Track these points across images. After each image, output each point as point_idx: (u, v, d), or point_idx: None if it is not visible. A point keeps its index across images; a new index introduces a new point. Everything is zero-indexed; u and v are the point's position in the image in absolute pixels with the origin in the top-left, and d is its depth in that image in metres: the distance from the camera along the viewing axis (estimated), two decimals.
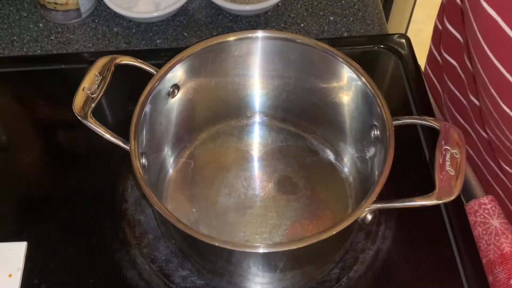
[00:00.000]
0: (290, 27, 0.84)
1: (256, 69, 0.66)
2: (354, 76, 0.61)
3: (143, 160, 0.58)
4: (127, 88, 0.74)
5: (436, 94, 0.82)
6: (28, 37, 0.82)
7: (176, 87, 0.63)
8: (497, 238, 0.64)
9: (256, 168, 0.68)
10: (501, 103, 0.57)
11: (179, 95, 0.64)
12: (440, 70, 0.77)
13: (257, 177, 0.67)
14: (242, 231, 0.63)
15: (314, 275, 0.61)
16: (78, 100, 0.57)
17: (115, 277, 0.61)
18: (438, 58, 0.77)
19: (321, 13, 0.85)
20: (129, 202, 0.66)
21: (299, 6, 0.86)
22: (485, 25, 0.54)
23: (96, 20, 0.84)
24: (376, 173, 0.58)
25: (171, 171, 0.67)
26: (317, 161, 0.68)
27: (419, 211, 0.65)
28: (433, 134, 0.58)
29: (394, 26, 1.22)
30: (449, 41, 0.72)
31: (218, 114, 0.70)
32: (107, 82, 0.59)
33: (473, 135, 0.72)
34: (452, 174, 0.53)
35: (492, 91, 0.58)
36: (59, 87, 0.77)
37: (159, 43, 0.82)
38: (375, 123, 0.60)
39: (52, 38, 0.82)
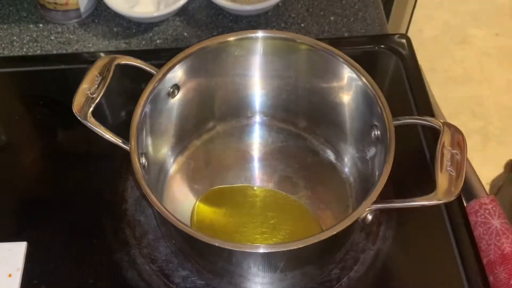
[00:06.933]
0: (290, 27, 0.84)
1: (256, 69, 0.66)
2: (355, 76, 0.61)
3: (143, 160, 0.58)
4: (127, 88, 0.74)
5: None
6: (28, 37, 0.82)
7: (176, 87, 0.63)
8: (497, 238, 0.64)
9: (256, 168, 0.68)
10: None
11: (179, 95, 0.64)
12: None
13: (257, 177, 0.67)
14: (242, 231, 0.63)
15: (314, 275, 0.61)
16: (78, 100, 0.57)
17: (115, 277, 0.61)
18: None
19: (322, 13, 0.85)
20: (129, 202, 0.66)
21: (299, 6, 0.86)
22: None
23: (96, 20, 0.84)
24: (377, 173, 0.58)
25: (171, 171, 0.67)
26: (317, 161, 0.68)
27: (420, 211, 0.65)
28: (433, 134, 0.58)
29: (394, 26, 1.21)
30: None
31: (218, 114, 0.70)
32: (107, 82, 0.59)
33: None
34: (452, 174, 0.53)
35: None
36: (59, 87, 0.77)
37: (159, 43, 0.82)
38: (376, 123, 0.60)
39: (52, 38, 0.82)
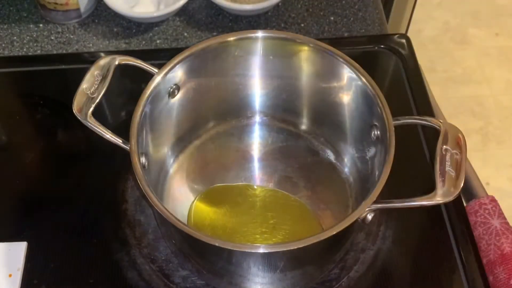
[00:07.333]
0: (290, 27, 0.84)
1: (256, 69, 0.66)
2: (354, 76, 0.61)
3: (143, 160, 0.58)
4: (127, 88, 0.74)
5: None
6: (28, 37, 0.82)
7: (176, 87, 0.63)
8: (497, 238, 0.64)
9: (256, 168, 0.68)
10: None
11: (179, 95, 0.64)
12: None
13: (257, 177, 0.67)
14: (242, 231, 0.63)
15: (314, 275, 0.61)
16: (78, 100, 0.57)
17: (115, 277, 0.61)
18: None
19: (322, 13, 0.85)
20: (129, 202, 0.66)
21: (299, 6, 0.86)
22: None
23: (96, 20, 0.84)
24: (377, 173, 0.58)
25: (171, 171, 0.67)
26: (317, 161, 0.68)
27: (420, 211, 0.65)
28: (433, 134, 0.58)
29: (394, 26, 1.21)
30: None
31: (218, 114, 0.70)
32: (107, 82, 0.59)
33: None
34: (452, 174, 0.53)
35: None
36: (59, 87, 0.77)
37: (159, 43, 0.82)
38: (376, 123, 0.60)
39: (52, 38, 0.82)
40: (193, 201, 0.65)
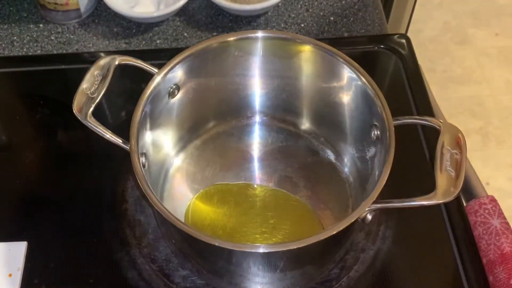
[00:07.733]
0: (290, 27, 0.84)
1: (256, 69, 0.66)
2: (354, 76, 0.61)
3: (143, 160, 0.58)
4: (127, 88, 0.74)
5: None
6: (28, 37, 0.82)
7: (176, 87, 0.63)
8: (497, 238, 0.64)
9: (256, 168, 0.68)
10: None
11: (179, 95, 0.64)
12: None
13: (257, 177, 0.67)
14: (242, 231, 0.63)
15: (314, 275, 0.61)
16: (78, 100, 0.57)
17: (115, 277, 0.61)
18: None
19: (321, 13, 0.85)
20: (129, 202, 0.66)
21: (299, 6, 0.86)
22: None
23: (96, 20, 0.84)
24: (377, 173, 0.58)
25: (171, 170, 0.67)
26: (317, 161, 0.68)
27: (419, 211, 0.65)
28: (433, 134, 0.58)
29: (394, 26, 1.21)
30: None
31: (218, 114, 0.70)
32: (107, 82, 0.59)
33: None
34: (452, 174, 0.53)
35: None
36: (59, 87, 0.77)
37: (159, 43, 0.82)
38: (375, 123, 0.60)
39: (52, 38, 0.82)
40: (191, 199, 0.65)
